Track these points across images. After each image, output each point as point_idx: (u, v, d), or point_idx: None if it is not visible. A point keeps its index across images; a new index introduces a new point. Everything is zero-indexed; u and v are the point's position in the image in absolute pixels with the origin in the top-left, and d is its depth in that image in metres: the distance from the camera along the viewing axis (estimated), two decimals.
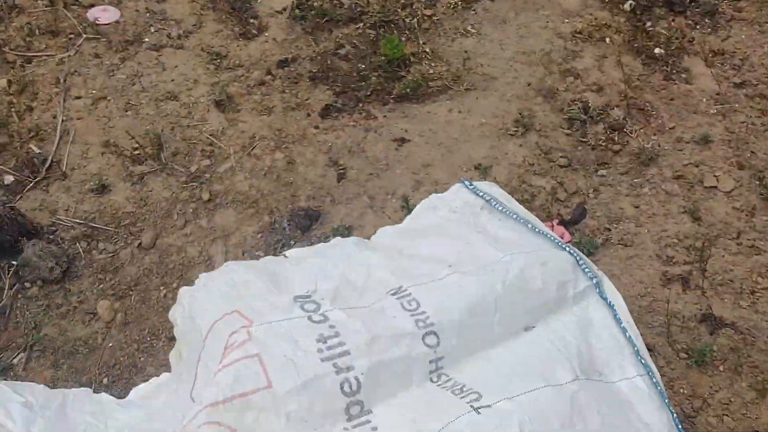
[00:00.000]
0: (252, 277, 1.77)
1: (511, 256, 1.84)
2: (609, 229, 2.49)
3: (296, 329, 1.58)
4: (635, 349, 1.75)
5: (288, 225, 2.56)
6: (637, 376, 1.73)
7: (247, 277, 1.77)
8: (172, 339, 2.19)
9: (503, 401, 1.51)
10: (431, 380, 1.64)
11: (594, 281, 1.85)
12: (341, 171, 2.78)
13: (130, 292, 2.37)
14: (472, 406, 1.50)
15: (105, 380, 2.10)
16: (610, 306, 1.82)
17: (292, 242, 2.48)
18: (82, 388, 1.85)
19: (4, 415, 1.60)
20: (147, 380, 2.09)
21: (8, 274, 2.38)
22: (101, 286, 2.37)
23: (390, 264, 1.85)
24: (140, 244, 2.51)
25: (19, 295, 2.35)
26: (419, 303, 1.69)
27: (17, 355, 2.19)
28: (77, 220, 2.59)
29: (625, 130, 2.88)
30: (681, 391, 2.02)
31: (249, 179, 2.74)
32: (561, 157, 2.78)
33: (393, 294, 1.72)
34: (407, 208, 2.56)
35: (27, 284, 2.36)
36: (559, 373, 1.62)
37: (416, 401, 1.57)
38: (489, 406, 1.50)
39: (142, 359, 2.17)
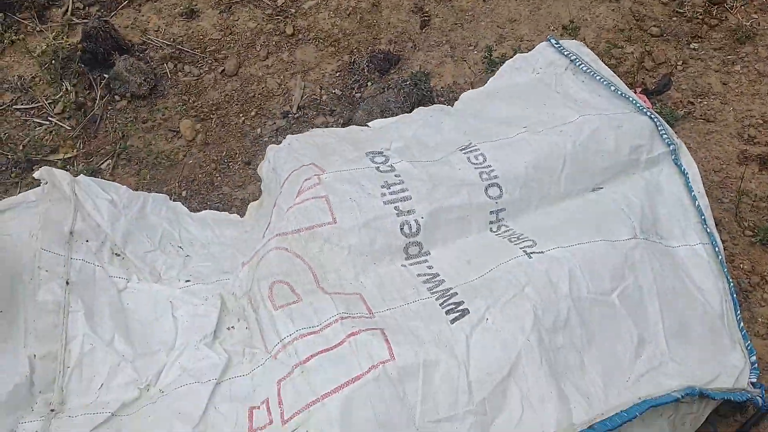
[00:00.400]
0: (332, 140, 1.85)
1: (586, 117, 1.82)
2: (692, 103, 2.40)
3: (363, 176, 1.66)
4: (702, 218, 1.75)
5: (367, 66, 2.56)
6: (699, 244, 1.74)
7: (328, 140, 1.85)
8: (248, 164, 2.29)
9: (557, 249, 1.56)
10: (490, 230, 1.70)
11: (671, 148, 1.81)
12: (425, 18, 2.72)
13: (211, 115, 2.45)
14: (525, 251, 1.56)
15: (183, 193, 2.23)
16: (684, 174, 1.80)
17: (369, 84, 2.49)
18: (160, 194, 1.96)
19: (93, 208, 1.74)
20: (222, 199, 2.22)
21: (100, 85, 2.49)
22: (184, 106, 2.46)
23: (464, 126, 1.88)
24: (223, 70, 2.57)
25: (109, 107, 2.46)
26: (486, 157, 1.72)
27: (105, 161, 2.33)
28: (166, 42, 2.65)
29: (725, 5, 2.70)
30: (741, 266, 2.01)
31: (333, 18, 2.73)
32: (653, 26, 2.64)
33: (461, 150, 1.76)
34: (489, 60, 2.51)
35: (117, 97, 2.47)
36: (617, 231, 1.64)
37: (473, 246, 1.64)
38: (542, 252, 1.55)
39: (218, 178, 2.27)
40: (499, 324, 1.38)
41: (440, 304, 1.43)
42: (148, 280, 1.69)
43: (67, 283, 1.56)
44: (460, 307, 1.41)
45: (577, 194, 1.77)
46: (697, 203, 1.77)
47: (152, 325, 1.60)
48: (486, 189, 1.69)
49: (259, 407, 1.34)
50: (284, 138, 1.91)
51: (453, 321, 1.37)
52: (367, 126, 2.03)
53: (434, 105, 2.13)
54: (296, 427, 1.25)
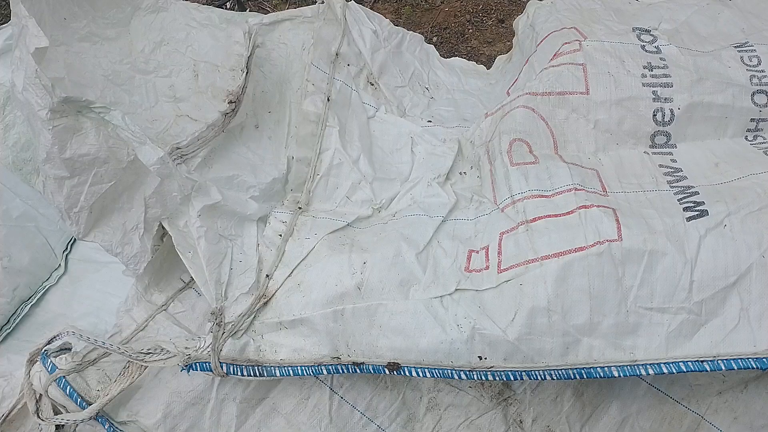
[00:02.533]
0: (598, 7, 1.79)
1: None
2: None
3: (626, 52, 1.60)
4: None
5: None
6: None
7: (593, 5, 1.80)
8: (501, 21, 2.29)
9: None
10: (746, 138, 1.59)
11: None
12: None
13: None
14: None
15: (434, 39, 2.29)
16: None
17: None
18: (417, 34, 2.03)
19: (358, 35, 1.86)
20: (470, 51, 2.26)
21: None
22: None
23: (742, 21, 1.73)
24: None
25: None
26: (761, 60, 1.59)
27: None
28: None
29: None
30: None
31: None
32: None
33: (736, 46, 1.62)
34: None
35: None
36: None
37: (724, 149, 1.56)
38: None
39: (470, 31, 2.30)
40: (736, 233, 1.33)
41: (678, 200, 1.40)
42: (394, 113, 1.81)
43: (328, 99, 1.70)
44: (699, 207, 1.37)
45: None
46: None
47: (392, 155, 1.73)
48: (753, 94, 1.57)
49: (477, 252, 1.43)
50: None
51: (689, 219, 1.35)
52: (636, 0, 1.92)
53: None
54: (510, 278, 1.33)
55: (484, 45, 2.26)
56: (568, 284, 1.29)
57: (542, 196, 1.43)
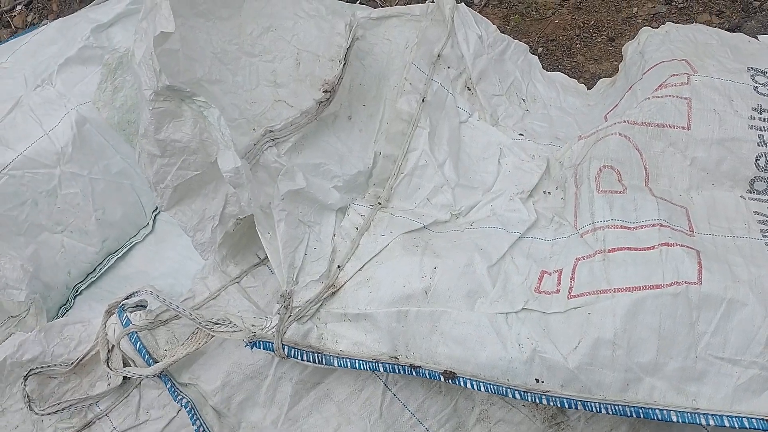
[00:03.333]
0: (714, 42, 1.72)
1: None
2: None
3: (736, 92, 1.54)
4: None
5: None
6: None
7: (709, 40, 1.73)
8: (612, 40, 2.24)
9: None
10: None
11: None
12: None
13: None
14: None
15: (540, 50, 2.26)
16: None
17: None
18: (522, 43, 2.01)
19: (463, 38, 1.85)
20: (574, 67, 2.22)
21: None
22: None
23: None
24: None
25: None
26: None
27: None
28: None
29: None
30: None
31: None
32: None
33: None
34: None
35: None
36: None
37: None
38: None
39: (577, 46, 2.26)
40: None
41: None
42: (487, 121, 1.80)
43: (423, 100, 1.71)
44: None
45: None
46: None
47: (478, 163, 1.72)
48: None
49: (550, 274, 1.42)
50: (662, 24, 1.82)
51: None
52: (757, 39, 1.84)
53: None
54: (580, 306, 1.31)
55: (590, 62, 2.22)
56: (638, 320, 1.26)
57: (625, 228, 1.40)
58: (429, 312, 1.37)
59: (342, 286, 1.46)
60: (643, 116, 1.54)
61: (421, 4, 1.86)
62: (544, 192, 1.64)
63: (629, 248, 1.35)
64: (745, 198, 1.49)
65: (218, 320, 1.45)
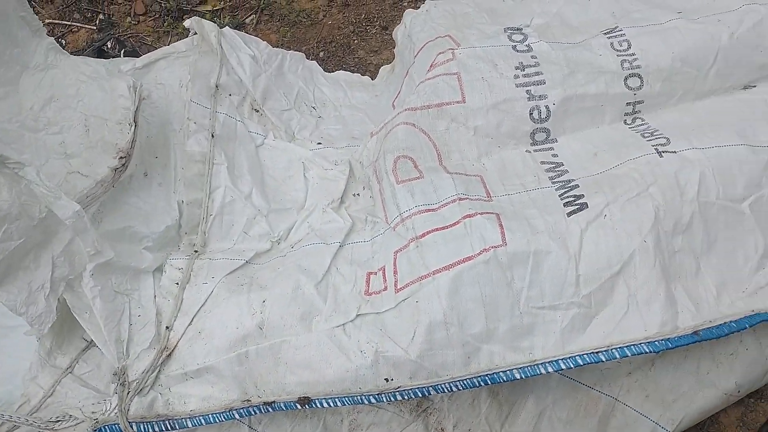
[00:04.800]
0: (471, 10, 1.81)
1: (750, 6, 1.67)
2: None
3: (498, 55, 1.63)
4: None
5: None
6: None
7: (466, 9, 1.82)
8: (385, 28, 2.30)
9: (691, 150, 1.50)
10: (624, 122, 1.65)
11: None
12: None
13: None
14: (656, 150, 1.52)
15: (321, 54, 2.28)
16: None
17: None
18: (297, 52, 2.02)
19: (236, 62, 1.83)
20: (358, 62, 2.26)
21: None
22: None
23: (613, 5, 1.78)
24: None
25: None
26: (630, 44, 1.64)
27: (249, 15, 2.41)
28: None
29: None
30: None
31: None
32: None
33: (605, 33, 1.67)
34: None
35: None
36: (762, 136, 1.54)
37: (602, 138, 1.61)
38: (674, 152, 1.50)
39: (355, 41, 2.30)
40: (616, 222, 1.38)
41: (559, 195, 1.45)
42: (283, 139, 1.80)
43: (212, 135, 1.68)
44: (579, 201, 1.41)
45: (725, 92, 1.66)
46: None
47: (285, 183, 1.72)
48: (626, 79, 1.62)
49: (375, 273, 1.44)
50: (423, 3, 1.89)
51: (570, 214, 1.39)
52: None
53: None
54: (408, 296, 1.35)
55: (371, 54, 2.28)
56: (461, 295, 1.31)
57: (429, 210, 1.45)
58: (268, 346, 1.36)
59: (176, 346, 1.42)
60: (422, 100, 1.60)
61: (185, 40, 1.83)
62: (354, 195, 1.67)
63: (436, 229, 1.40)
64: (530, 151, 1.59)
65: (58, 418, 1.37)
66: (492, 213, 1.39)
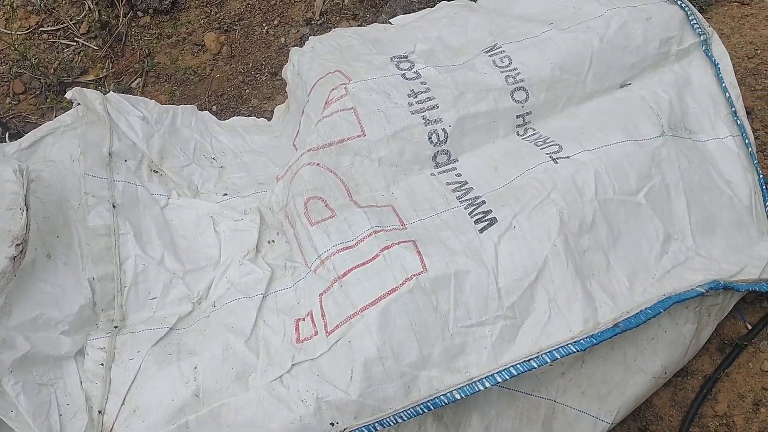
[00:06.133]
0: (356, 42, 1.84)
1: (613, 11, 1.78)
2: None
3: (389, 85, 1.67)
4: (733, 110, 1.74)
5: None
6: (729, 136, 1.74)
7: (351, 42, 1.85)
8: (274, 74, 2.31)
9: (582, 153, 1.59)
10: (517, 134, 1.72)
11: (702, 38, 1.78)
12: None
13: (235, 26, 2.45)
14: (551, 157, 1.59)
15: (214, 108, 2.27)
16: (715, 65, 1.77)
17: None
18: (188, 105, 1.99)
19: (127, 126, 1.78)
20: (252, 111, 2.25)
21: (122, 2, 2.48)
22: (207, 18, 2.45)
23: (489, 24, 1.85)
24: None
25: (133, 24, 2.47)
26: (511, 60, 1.71)
27: (135, 79, 2.37)
28: None
29: None
30: None
31: None
32: None
33: (486, 52, 1.74)
34: None
35: (139, 13, 2.48)
36: (644, 129, 1.65)
37: (500, 152, 1.67)
38: (568, 157, 1.58)
39: (246, 91, 2.30)
40: (526, 231, 1.43)
41: (469, 213, 1.49)
42: (187, 195, 1.76)
43: (114, 206, 1.63)
44: (488, 216, 1.46)
45: (605, 92, 1.76)
46: (727, 95, 1.76)
47: (197, 241, 1.69)
48: (512, 93, 1.69)
49: (304, 319, 1.44)
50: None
51: (482, 230, 1.43)
52: (390, 24, 2.01)
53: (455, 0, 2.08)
54: (340, 338, 1.35)
55: (264, 102, 2.28)
56: (391, 327, 1.33)
57: (347, 248, 1.46)
58: (207, 412, 1.33)
59: (111, 429, 1.36)
60: (322, 139, 1.61)
61: (70, 111, 1.76)
62: (269, 242, 1.66)
63: (357, 266, 1.41)
64: (435, 174, 1.63)
65: None
66: (409, 241, 1.42)
